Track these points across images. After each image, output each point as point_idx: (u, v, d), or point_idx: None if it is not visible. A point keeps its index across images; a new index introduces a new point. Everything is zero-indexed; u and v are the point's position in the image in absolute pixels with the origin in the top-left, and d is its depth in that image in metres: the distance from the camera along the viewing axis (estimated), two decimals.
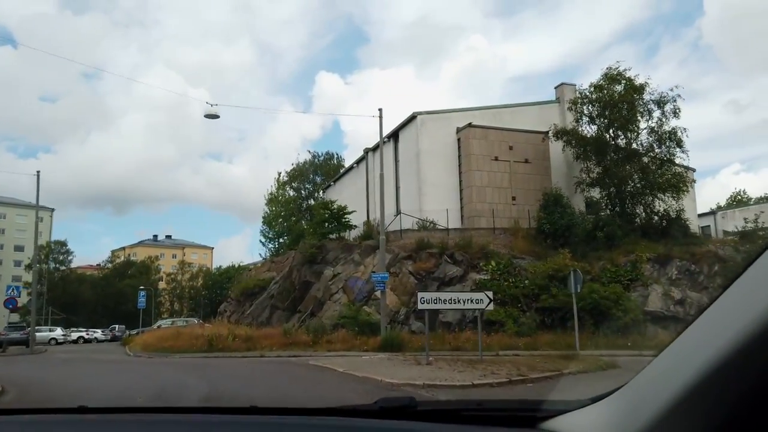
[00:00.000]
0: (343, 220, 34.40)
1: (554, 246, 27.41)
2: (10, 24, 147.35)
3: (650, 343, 18.68)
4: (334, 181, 49.68)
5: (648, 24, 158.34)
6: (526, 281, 24.75)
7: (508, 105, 37.33)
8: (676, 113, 31.19)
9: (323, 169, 56.90)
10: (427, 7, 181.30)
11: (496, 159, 33.62)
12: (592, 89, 32.48)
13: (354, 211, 35.26)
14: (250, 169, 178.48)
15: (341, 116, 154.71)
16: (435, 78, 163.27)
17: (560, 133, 33.03)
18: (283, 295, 33.02)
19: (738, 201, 65.62)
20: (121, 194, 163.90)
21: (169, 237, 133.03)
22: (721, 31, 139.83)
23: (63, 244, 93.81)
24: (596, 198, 31.62)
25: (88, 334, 58.12)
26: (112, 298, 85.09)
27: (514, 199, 33.35)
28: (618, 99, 31.33)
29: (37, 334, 49.68)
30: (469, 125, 33.59)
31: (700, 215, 41.09)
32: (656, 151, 31.30)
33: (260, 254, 58.43)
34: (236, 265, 67.27)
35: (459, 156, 34.15)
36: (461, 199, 33.61)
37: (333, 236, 33.62)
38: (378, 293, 25.94)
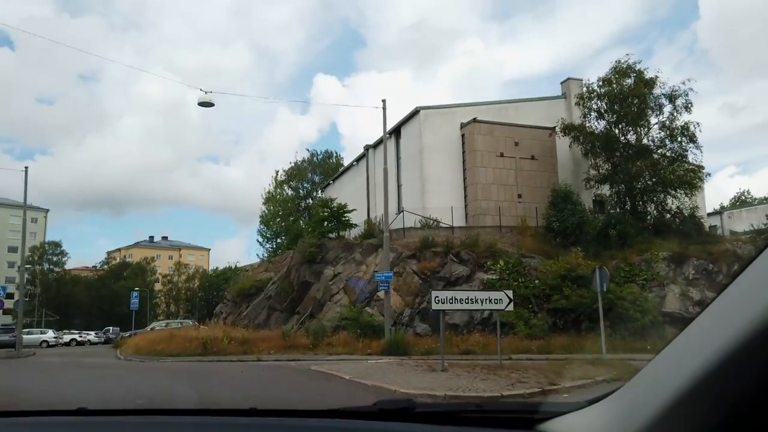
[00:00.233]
0: (343, 218, 33.23)
1: (564, 245, 26.30)
2: (8, 26, 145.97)
3: None
4: (333, 180, 48.52)
5: (643, 28, 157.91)
6: (537, 281, 23.61)
7: (513, 100, 36.21)
8: (688, 108, 30.12)
9: (322, 168, 55.71)
10: (423, 11, 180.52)
11: (502, 155, 32.50)
12: (601, 83, 31.37)
13: (354, 209, 34.10)
14: (247, 171, 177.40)
15: (339, 118, 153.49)
16: (432, 81, 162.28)
17: (568, 129, 31.93)
18: (282, 296, 31.84)
19: (742, 202, 64.78)
20: (118, 196, 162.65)
21: (165, 238, 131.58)
22: (716, 35, 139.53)
23: (57, 245, 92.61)
24: (606, 195, 30.46)
25: (81, 337, 56.70)
26: (107, 299, 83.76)
27: (520, 196, 32.21)
28: (628, 93, 30.24)
29: (28, 336, 48.54)
30: (474, 120, 32.47)
31: (707, 215, 40.10)
32: (668, 146, 30.15)
33: (257, 254, 57.34)
34: (233, 267, 65.97)
35: (463, 152, 33.02)
36: (465, 197, 32.47)
37: (332, 235, 32.47)
38: (381, 294, 24.79)
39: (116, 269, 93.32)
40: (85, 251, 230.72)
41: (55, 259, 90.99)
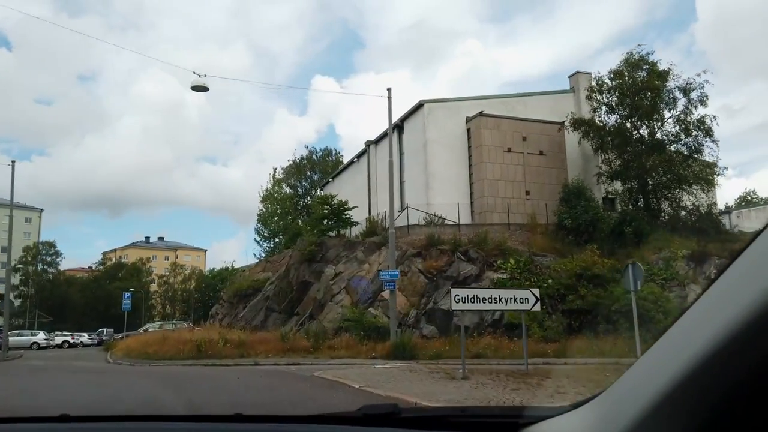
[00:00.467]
0: (344, 216, 31.97)
1: (577, 242, 25.09)
2: (6, 26, 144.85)
3: None
4: (333, 178, 47.22)
5: (641, 29, 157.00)
6: (550, 280, 22.35)
7: (520, 94, 35.00)
8: (703, 101, 28.97)
9: (321, 166, 54.37)
10: (422, 12, 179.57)
11: (509, 150, 31.26)
12: (612, 76, 30.18)
13: (355, 206, 32.83)
14: (246, 172, 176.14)
15: (338, 119, 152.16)
16: (431, 82, 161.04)
17: (578, 123, 30.72)
18: (280, 297, 30.55)
19: (747, 201, 63.88)
20: (117, 197, 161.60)
21: (161, 239, 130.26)
22: (714, 36, 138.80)
23: (51, 245, 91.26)
24: (619, 191, 29.23)
25: (73, 338, 55.21)
26: (102, 300, 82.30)
27: (528, 193, 30.97)
28: (641, 86, 29.04)
29: (18, 338, 47.17)
30: (480, 114, 31.24)
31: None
32: (683, 141, 28.95)
33: (254, 254, 56.06)
34: (229, 267, 64.52)
35: (469, 147, 31.78)
36: (471, 194, 31.22)
37: (332, 234, 31.22)
38: (385, 293, 23.55)
39: (111, 270, 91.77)
40: (84, 252, 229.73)
41: (49, 259, 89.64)
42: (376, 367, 15.25)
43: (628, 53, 29.97)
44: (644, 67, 29.38)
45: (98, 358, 28.77)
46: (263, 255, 48.88)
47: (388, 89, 22.63)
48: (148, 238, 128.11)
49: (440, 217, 28.84)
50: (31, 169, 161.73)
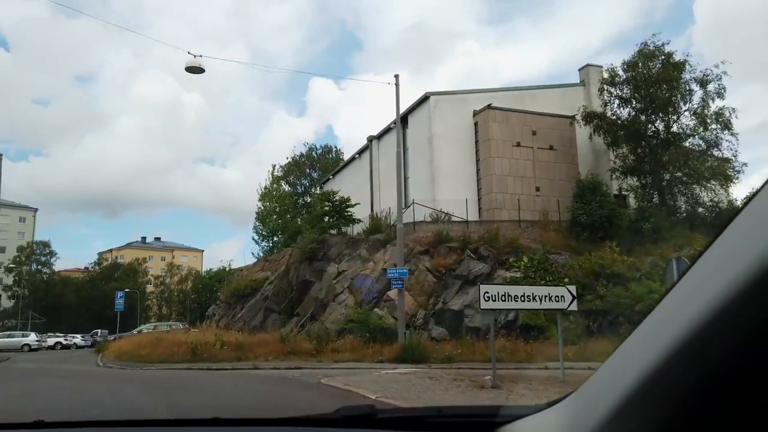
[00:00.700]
0: (346, 213, 30.73)
1: (592, 239, 23.88)
2: (4, 27, 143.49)
3: None
4: (333, 175, 45.91)
5: (640, 31, 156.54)
6: (566, 279, 21.04)
7: (529, 87, 33.76)
8: (720, 94, 27.75)
9: (321, 163, 53.04)
10: (420, 14, 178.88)
11: (518, 145, 30.04)
12: (626, 67, 28.98)
13: (357, 203, 31.58)
14: (244, 173, 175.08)
15: (336, 120, 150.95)
16: (429, 83, 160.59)
17: (590, 117, 29.53)
18: (279, 297, 29.27)
19: None
20: (115, 198, 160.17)
21: (158, 239, 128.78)
22: (712, 39, 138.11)
23: (46, 245, 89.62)
24: (632, 187, 28.00)
25: (66, 340, 53.75)
26: (97, 301, 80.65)
27: (538, 189, 29.75)
28: (656, 77, 27.84)
29: (8, 340, 45.86)
30: (489, 107, 30.00)
31: None
32: (700, 134, 27.75)
33: (252, 253, 54.67)
34: (227, 268, 63.18)
35: (476, 141, 30.55)
36: (479, 189, 29.98)
37: (332, 232, 29.99)
38: (391, 293, 22.34)
39: (107, 270, 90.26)
40: (81, 253, 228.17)
41: (43, 259, 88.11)
42: (387, 373, 13.97)
43: (642, 44, 28.80)
44: (660, 58, 28.15)
45: (88, 360, 27.45)
46: (261, 254, 47.55)
47: (396, 76, 21.45)
48: (144, 238, 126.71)
49: (447, 214, 27.61)
50: (28, 169, 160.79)
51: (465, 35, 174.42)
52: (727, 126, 27.09)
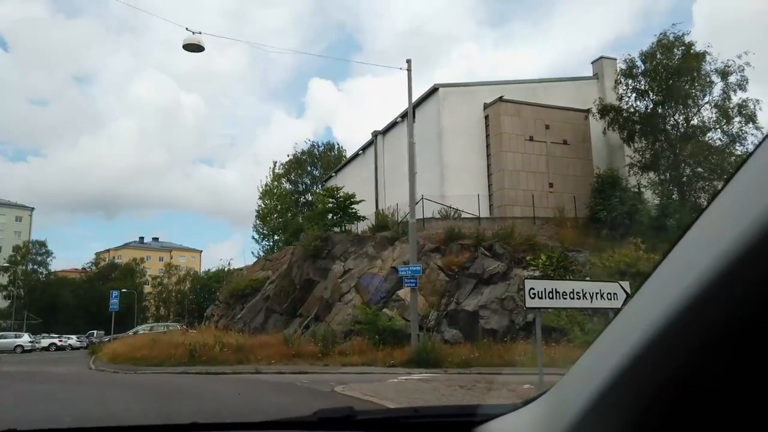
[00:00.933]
0: (350, 210, 29.49)
1: (613, 236, 22.66)
2: (2, 28, 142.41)
3: None
4: (336, 172, 44.64)
5: (638, 35, 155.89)
6: (588, 278, 19.83)
7: (541, 80, 32.53)
8: (742, 86, 26.55)
9: (323, 161, 51.74)
10: (419, 17, 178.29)
11: (531, 139, 28.79)
12: (644, 58, 27.77)
13: (363, 200, 30.34)
14: (242, 174, 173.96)
15: (335, 121, 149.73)
16: (428, 85, 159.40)
17: (606, 110, 28.31)
18: (281, 297, 28.02)
19: None
20: (112, 199, 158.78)
21: (156, 239, 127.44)
22: (709, 43, 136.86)
23: (42, 244, 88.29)
24: (652, 182, 26.77)
25: (61, 341, 52.50)
26: (94, 302, 79.29)
27: (551, 185, 28.51)
28: (676, 68, 26.63)
29: (1, 341, 44.53)
30: (500, 99, 28.76)
31: None
32: (723, 128, 26.54)
33: (252, 252, 53.40)
34: (226, 267, 61.90)
35: (487, 135, 29.30)
36: (490, 185, 28.73)
37: (336, 229, 28.78)
38: (401, 293, 21.12)
39: (104, 270, 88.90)
40: (78, 254, 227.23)
41: (39, 259, 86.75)
42: (407, 379, 12.70)
43: (661, 34, 27.59)
44: (679, 49, 26.95)
45: (80, 362, 26.17)
46: (261, 253, 46.26)
47: (408, 61, 20.18)
48: (142, 238, 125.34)
49: (457, 210, 26.37)
50: (26, 169, 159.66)
51: (464, 37, 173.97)
52: (751, 119, 25.90)
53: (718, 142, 26.98)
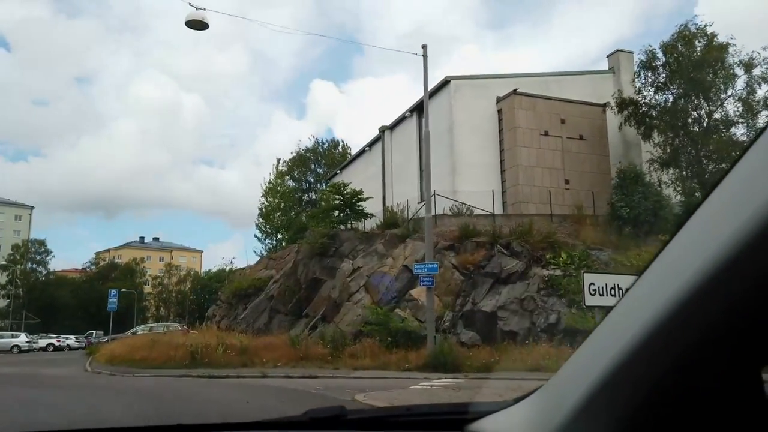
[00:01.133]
0: (357, 207, 28.43)
1: (636, 234, 21.59)
2: (5, 28, 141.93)
3: None
4: (341, 169, 43.57)
5: (638, 39, 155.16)
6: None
7: (556, 73, 31.46)
8: (767, 79, 25.48)
9: (327, 159, 50.65)
10: (420, 18, 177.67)
11: (546, 134, 27.74)
12: (664, 49, 26.68)
13: (370, 197, 29.29)
14: (242, 175, 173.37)
15: (335, 122, 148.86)
16: (430, 86, 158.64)
17: (624, 104, 27.23)
18: (286, 296, 26.92)
19: None
20: (112, 199, 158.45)
21: (156, 239, 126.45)
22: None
23: (42, 243, 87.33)
24: (674, 178, 25.70)
25: (59, 341, 51.48)
26: (93, 302, 78.23)
27: (567, 182, 27.45)
28: (698, 60, 25.54)
29: None
30: (514, 92, 27.69)
31: None
32: (747, 123, 25.46)
33: (255, 251, 52.38)
34: (228, 266, 60.78)
35: (500, 130, 28.23)
36: (503, 182, 27.66)
37: (342, 227, 27.74)
38: (414, 292, 20.05)
39: (104, 270, 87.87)
40: (78, 255, 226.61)
41: (38, 258, 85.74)
42: (433, 386, 11.60)
43: (681, 25, 26.50)
44: (702, 39, 25.87)
45: (77, 364, 25.07)
46: (264, 252, 45.17)
47: (423, 46, 19.20)
48: (142, 238, 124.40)
49: (469, 207, 25.29)
50: (27, 169, 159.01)
51: (465, 39, 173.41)
52: None
53: (743, 138, 25.90)
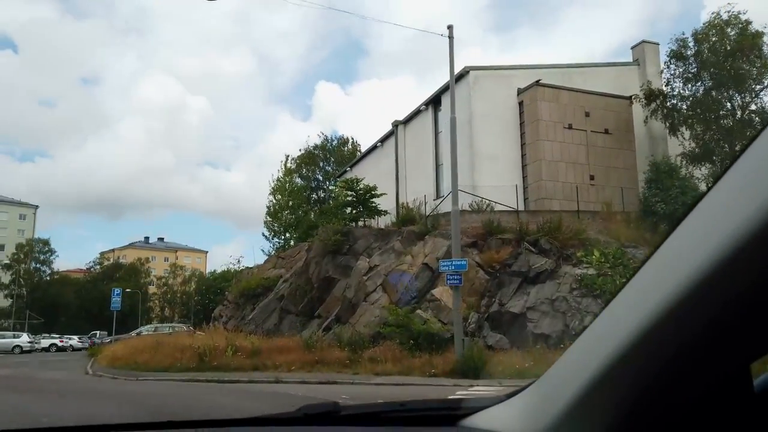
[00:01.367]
0: (370, 203, 27.19)
1: (672, 232, 20.19)
2: (12, 29, 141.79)
3: None
4: (351, 166, 42.33)
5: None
6: None
7: (579, 64, 30.09)
8: None
9: (336, 156, 49.42)
10: (425, 21, 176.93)
11: (570, 127, 26.42)
12: (696, 39, 25.38)
13: (384, 193, 28.03)
14: (247, 177, 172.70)
15: (341, 124, 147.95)
16: (434, 88, 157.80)
17: (653, 95, 25.91)
18: (297, 296, 25.70)
19: None
20: (117, 200, 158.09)
21: (161, 239, 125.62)
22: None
23: (45, 242, 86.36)
24: (708, 173, 24.36)
25: (62, 342, 50.43)
26: (97, 302, 77.28)
27: (592, 178, 26.13)
28: (732, 50, 24.24)
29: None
30: (537, 83, 26.40)
31: None
32: None
33: (263, 250, 51.19)
34: (235, 266, 59.58)
35: (521, 123, 26.94)
36: (525, 177, 26.37)
37: (353, 224, 26.52)
38: (436, 292, 18.78)
39: (108, 270, 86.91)
40: (83, 255, 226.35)
41: (42, 257, 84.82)
42: (470, 395, 10.36)
43: (714, 13, 25.20)
44: (737, 27, 24.55)
45: (78, 366, 23.88)
46: (272, 251, 43.97)
47: (449, 27, 17.92)
48: (147, 238, 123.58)
49: (490, 202, 24.02)
50: (32, 170, 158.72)
51: (469, 42, 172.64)
52: None
53: None
